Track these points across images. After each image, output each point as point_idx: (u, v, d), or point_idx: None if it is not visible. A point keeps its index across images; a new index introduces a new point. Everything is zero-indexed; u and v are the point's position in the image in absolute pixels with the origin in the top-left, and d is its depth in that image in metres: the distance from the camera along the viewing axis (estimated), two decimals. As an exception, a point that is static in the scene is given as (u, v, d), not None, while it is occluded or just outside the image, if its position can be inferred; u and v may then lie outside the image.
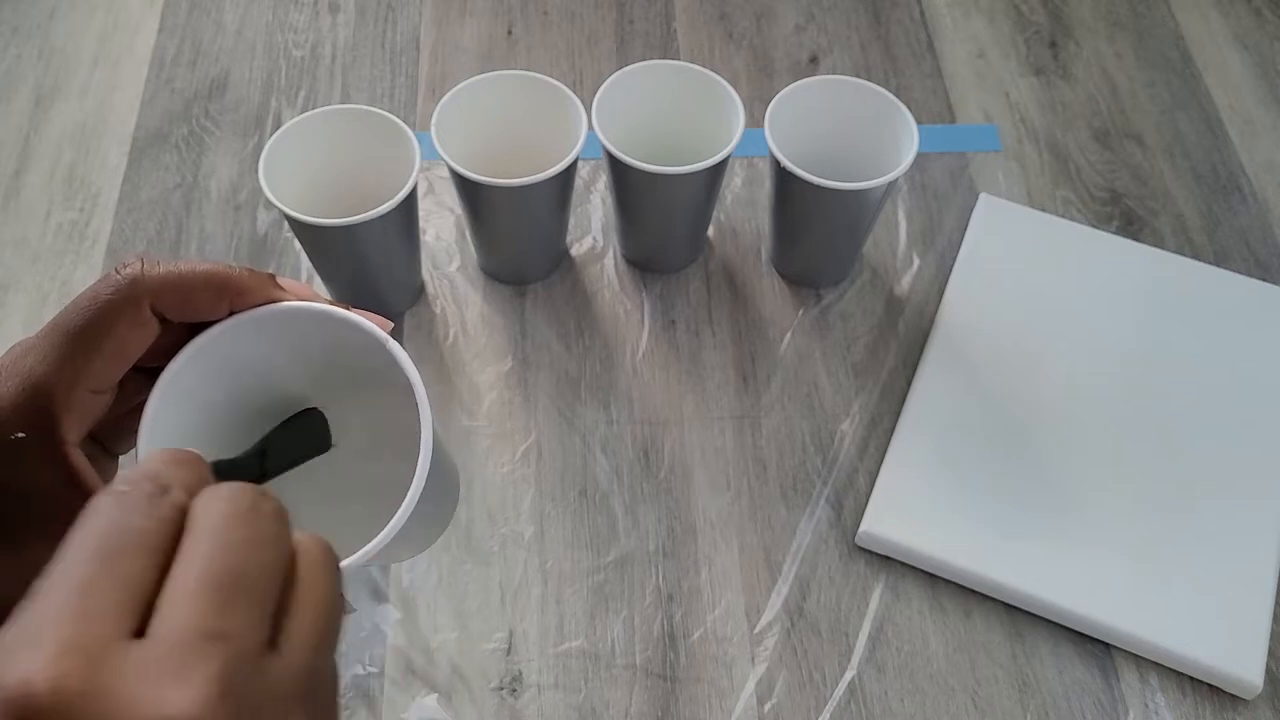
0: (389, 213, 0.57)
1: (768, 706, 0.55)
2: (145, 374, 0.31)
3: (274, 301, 0.32)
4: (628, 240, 0.70)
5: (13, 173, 0.74)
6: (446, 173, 0.62)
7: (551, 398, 0.65)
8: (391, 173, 0.59)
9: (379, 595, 0.58)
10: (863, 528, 0.59)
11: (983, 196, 0.73)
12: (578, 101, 0.62)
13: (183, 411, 0.32)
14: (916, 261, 0.71)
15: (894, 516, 0.59)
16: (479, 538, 0.60)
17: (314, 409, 0.35)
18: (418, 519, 0.31)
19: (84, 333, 0.29)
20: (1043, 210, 0.73)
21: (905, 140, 0.61)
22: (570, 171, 0.61)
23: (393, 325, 0.33)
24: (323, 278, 0.66)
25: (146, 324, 0.30)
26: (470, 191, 0.61)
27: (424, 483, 0.31)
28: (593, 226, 0.72)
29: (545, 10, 0.84)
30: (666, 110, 0.65)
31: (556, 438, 0.63)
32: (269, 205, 0.72)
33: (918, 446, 0.62)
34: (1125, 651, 0.57)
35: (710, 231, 0.72)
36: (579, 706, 0.55)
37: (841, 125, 0.65)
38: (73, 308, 0.29)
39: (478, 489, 0.61)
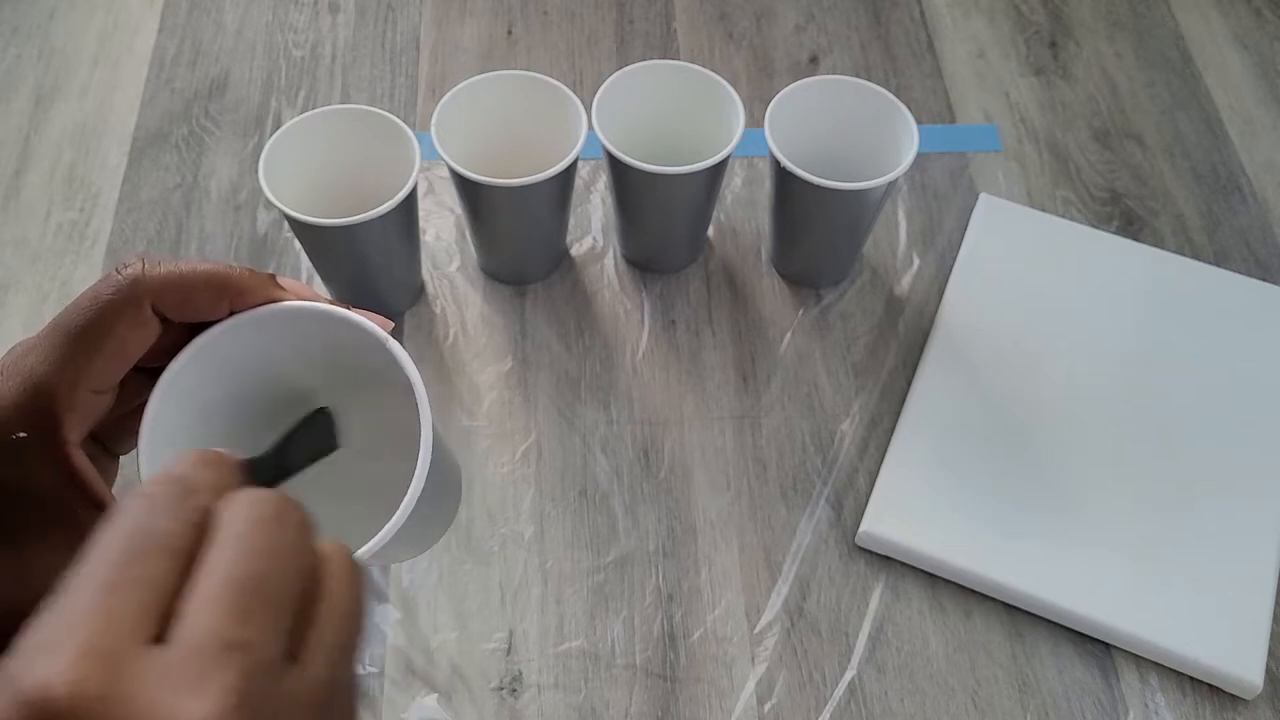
0: (389, 213, 0.57)
1: (768, 706, 0.55)
2: (146, 374, 0.31)
3: (274, 301, 0.32)
4: (628, 240, 0.70)
5: (13, 173, 0.74)
6: (446, 173, 0.62)
7: (551, 398, 0.65)
8: (391, 173, 0.59)
9: (379, 595, 0.58)
10: (863, 528, 0.59)
11: (983, 196, 0.73)
12: (578, 101, 0.62)
13: (183, 411, 0.32)
14: (916, 261, 0.71)
15: (894, 516, 0.59)
16: (479, 538, 0.60)
17: (324, 409, 0.35)
18: (418, 519, 0.31)
19: (85, 333, 0.29)
20: (1043, 210, 0.73)
21: (905, 140, 0.61)
22: (570, 171, 0.61)
23: (393, 325, 0.33)
24: (323, 278, 0.66)
25: (147, 324, 0.30)
26: (470, 191, 0.61)
27: (424, 482, 0.31)
28: (593, 226, 0.72)
29: (545, 10, 0.84)
30: (666, 110, 0.65)
31: (556, 438, 0.63)
32: (269, 205, 0.72)
33: (918, 446, 0.62)
34: (1125, 651, 0.57)
35: (710, 231, 0.72)
36: (579, 706, 0.55)
37: (841, 125, 0.65)
38: (73, 308, 0.29)
39: (478, 489, 0.61)
